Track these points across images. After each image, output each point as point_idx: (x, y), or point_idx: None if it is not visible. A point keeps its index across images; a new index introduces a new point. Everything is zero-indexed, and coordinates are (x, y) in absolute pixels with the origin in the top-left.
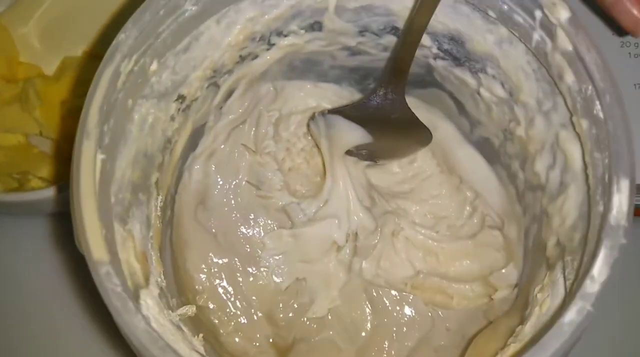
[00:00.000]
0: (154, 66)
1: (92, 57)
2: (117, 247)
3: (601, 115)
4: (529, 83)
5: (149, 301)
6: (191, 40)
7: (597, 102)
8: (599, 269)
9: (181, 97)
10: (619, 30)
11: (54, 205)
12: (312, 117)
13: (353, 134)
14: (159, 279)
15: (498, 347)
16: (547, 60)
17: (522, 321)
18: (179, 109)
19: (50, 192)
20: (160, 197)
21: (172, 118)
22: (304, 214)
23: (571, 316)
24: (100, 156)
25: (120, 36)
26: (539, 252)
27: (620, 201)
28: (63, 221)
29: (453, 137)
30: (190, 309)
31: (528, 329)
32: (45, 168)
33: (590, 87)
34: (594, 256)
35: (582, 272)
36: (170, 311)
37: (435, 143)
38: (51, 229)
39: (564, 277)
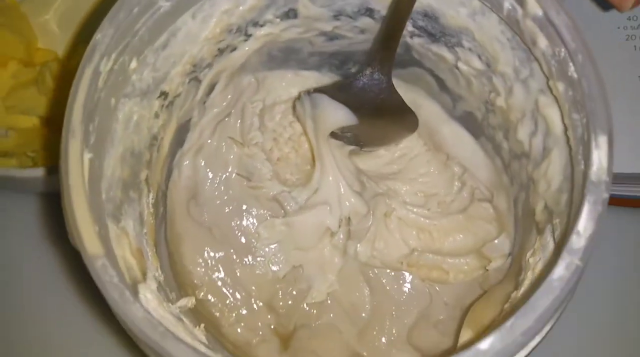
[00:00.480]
0: (133, 64)
1: None
2: (112, 244)
3: (576, 75)
4: (505, 52)
5: (148, 295)
6: (169, 36)
7: (571, 64)
8: (584, 224)
9: (163, 94)
10: (604, 4)
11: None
12: (298, 97)
13: (338, 114)
14: (157, 274)
15: (495, 314)
16: (519, 28)
17: (517, 286)
18: (162, 106)
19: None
20: (151, 194)
21: (156, 115)
22: (296, 202)
23: (560, 271)
24: (87, 155)
25: (97, 36)
26: (529, 218)
27: (600, 157)
28: None
29: (437, 115)
30: (189, 301)
31: (522, 294)
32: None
33: (563, 50)
34: (578, 212)
35: (569, 229)
36: (170, 304)
37: (420, 122)
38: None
39: (554, 239)
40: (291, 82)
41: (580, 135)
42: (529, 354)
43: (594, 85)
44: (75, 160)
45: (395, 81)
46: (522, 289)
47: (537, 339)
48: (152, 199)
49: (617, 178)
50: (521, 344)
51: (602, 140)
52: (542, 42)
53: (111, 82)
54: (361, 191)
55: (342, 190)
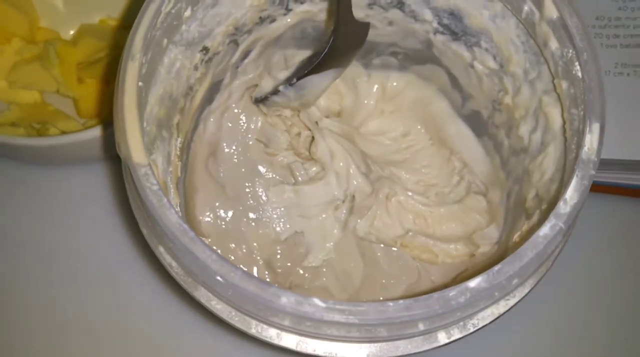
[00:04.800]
0: (188, 12)
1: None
2: None
3: (579, 74)
4: (518, 55)
5: None
6: None
7: (577, 63)
8: (571, 194)
9: (205, 49)
10: None
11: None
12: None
13: (327, 80)
14: (177, 209)
15: None
16: (534, 30)
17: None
18: (202, 60)
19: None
20: (179, 139)
21: (196, 67)
22: (307, 173)
23: (546, 230)
24: (139, 83)
25: None
26: (519, 206)
27: (592, 140)
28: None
29: (445, 112)
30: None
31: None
32: (61, 124)
33: (571, 51)
34: (567, 185)
35: (557, 199)
36: None
37: (428, 117)
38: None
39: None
40: None
41: (576, 127)
42: (507, 310)
43: (594, 79)
44: (132, 79)
45: (411, 77)
46: None
47: (517, 296)
48: (180, 143)
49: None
50: (504, 288)
51: (596, 126)
52: (553, 44)
53: (167, 24)
54: (367, 173)
55: (351, 170)
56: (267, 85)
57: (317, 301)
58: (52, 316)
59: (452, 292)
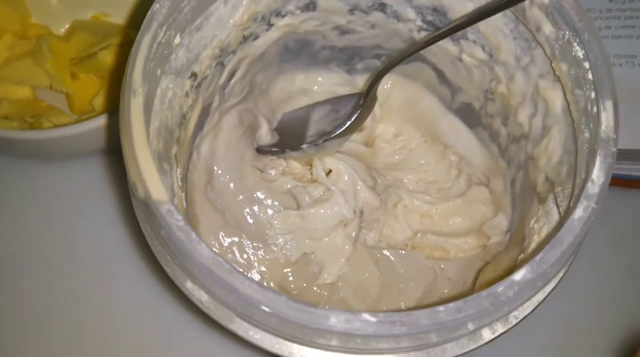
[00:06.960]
0: (177, 40)
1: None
2: None
3: (580, 54)
4: (507, 42)
5: None
6: (202, 20)
7: (575, 44)
8: (597, 174)
9: (194, 75)
10: None
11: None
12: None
13: (342, 143)
14: None
15: (505, 275)
16: (525, 17)
17: (523, 250)
18: (192, 86)
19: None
20: (179, 170)
21: (187, 94)
22: (310, 196)
23: (580, 212)
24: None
25: (155, 6)
26: (529, 191)
27: (608, 118)
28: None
29: (434, 109)
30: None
31: (530, 254)
32: (54, 119)
33: (567, 32)
34: (590, 165)
35: (583, 180)
36: None
37: (417, 115)
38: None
39: (557, 205)
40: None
41: (584, 107)
42: (545, 297)
43: (599, 58)
44: (138, 115)
45: (394, 76)
46: (529, 250)
47: (553, 282)
48: (180, 174)
49: None
50: (548, 277)
51: (609, 104)
52: (547, 28)
53: (159, 54)
54: (374, 186)
55: (357, 187)
56: (265, 134)
57: (367, 316)
58: (46, 312)
59: (499, 287)
